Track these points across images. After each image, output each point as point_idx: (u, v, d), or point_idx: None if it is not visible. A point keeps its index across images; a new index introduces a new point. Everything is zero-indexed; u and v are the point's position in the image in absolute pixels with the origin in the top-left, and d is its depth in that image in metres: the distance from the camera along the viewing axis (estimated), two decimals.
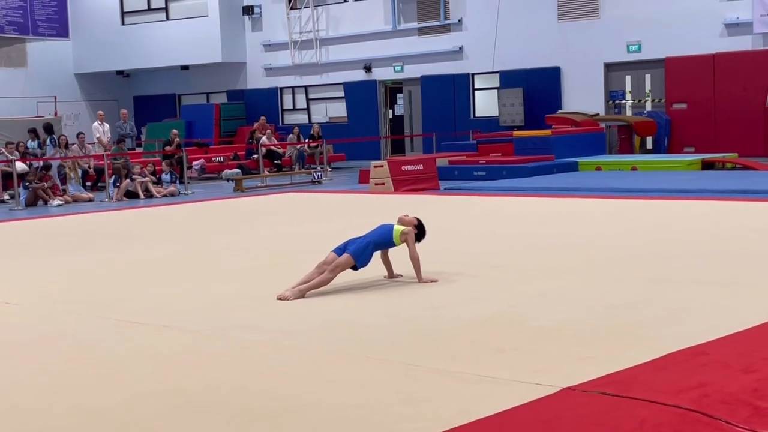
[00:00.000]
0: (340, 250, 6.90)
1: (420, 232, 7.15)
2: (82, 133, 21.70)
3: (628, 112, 23.45)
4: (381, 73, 27.96)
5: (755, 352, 4.70)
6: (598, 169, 18.98)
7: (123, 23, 31.77)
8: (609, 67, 23.80)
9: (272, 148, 23.96)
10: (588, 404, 3.99)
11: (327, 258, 6.89)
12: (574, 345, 5.02)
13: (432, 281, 7.03)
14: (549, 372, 4.48)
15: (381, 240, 7.01)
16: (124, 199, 17.79)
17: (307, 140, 24.70)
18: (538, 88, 24.58)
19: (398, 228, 7.04)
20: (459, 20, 26.15)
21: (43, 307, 6.94)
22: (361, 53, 28.03)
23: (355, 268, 6.87)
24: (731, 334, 5.09)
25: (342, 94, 28.77)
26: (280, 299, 6.60)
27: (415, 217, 7.21)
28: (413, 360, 4.85)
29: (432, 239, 7.52)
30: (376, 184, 16.85)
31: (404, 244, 7.03)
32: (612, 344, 5.03)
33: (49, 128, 19.92)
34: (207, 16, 29.88)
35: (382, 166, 17.12)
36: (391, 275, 7.21)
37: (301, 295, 6.65)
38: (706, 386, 4.13)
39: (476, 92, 26.41)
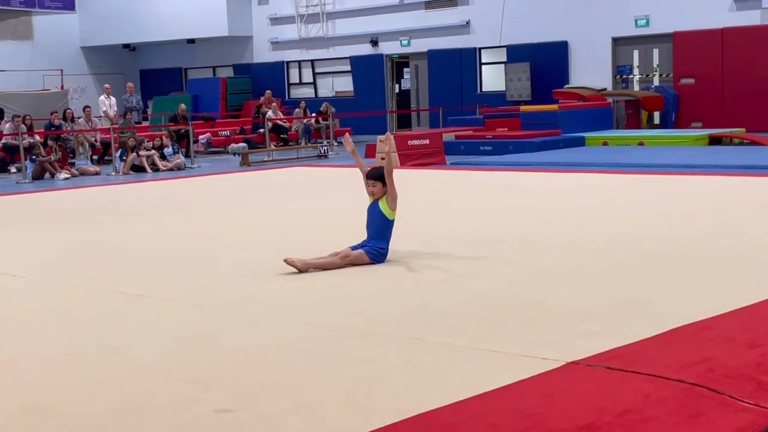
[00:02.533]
0: (356, 249, 6.91)
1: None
2: (88, 107, 21.71)
3: (636, 87, 23.36)
4: (388, 47, 27.86)
5: (760, 327, 4.71)
6: (605, 144, 18.93)
7: None
8: (617, 42, 23.69)
9: (278, 122, 23.93)
10: (592, 378, 4.00)
11: (342, 251, 6.88)
12: (579, 320, 5.03)
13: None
14: (554, 346, 4.49)
15: (390, 231, 6.96)
16: (131, 172, 17.80)
17: (314, 114, 24.66)
18: (545, 63, 24.48)
19: (383, 205, 6.95)
20: None
21: (50, 280, 6.97)
22: (368, 27, 27.92)
23: (377, 259, 6.88)
24: (736, 310, 5.09)
25: (348, 68, 28.69)
26: (286, 262, 6.62)
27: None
28: (418, 334, 4.86)
29: (437, 214, 7.52)
30: (382, 159, 16.79)
31: (393, 205, 6.95)
32: (617, 319, 5.04)
33: None
34: None
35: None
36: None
37: (305, 268, 6.65)
38: (711, 361, 4.14)
39: (483, 67, 26.32)
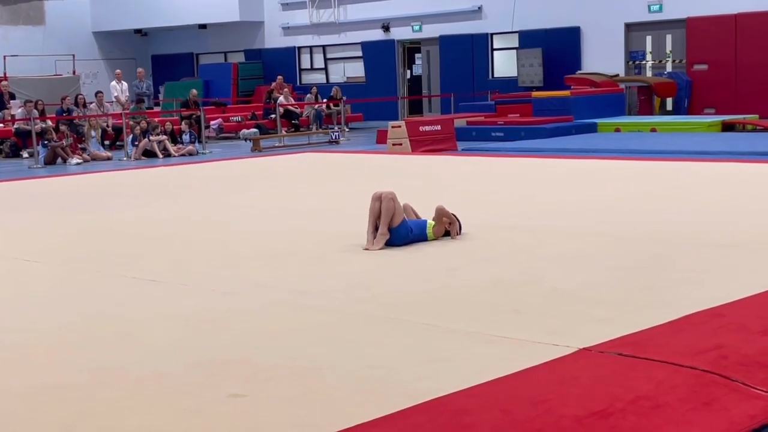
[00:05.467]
0: None
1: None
2: (100, 92, 21.74)
3: (649, 73, 23.25)
4: (399, 33, 27.79)
5: None
6: (617, 130, 18.87)
7: None
8: (629, 27, 23.57)
9: (290, 107, 23.92)
10: (604, 365, 4.00)
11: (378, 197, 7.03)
12: (591, 306, 5.02)
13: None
14: (566, 333, 4.49)
15: (418, 232, 7.12)
16: (142, 158, 17.83)
17: (325, 100, 24.64)
18: (557, 49, 24.38)
19: (431, 223, 7.16)
20: None
21: (63, 265, 6.99)
22: (380, 12, 27.85)
23: (389, 241, 6.94)
24: (749, 297, 5.08)
25: (360, 53, 28.64)
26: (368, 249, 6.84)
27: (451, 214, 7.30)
28: (431, 320, 4.86)
29: (448, 201, 7.51)
30: (393, 145, 16.81)
31: (437, 237, 7.19)
32: (629, 306, 5.03)
33: None
34: None
35: (399, 126, 17.06)
36: None
37: (385, 235, 6.87)
38: (723, 348, 4.13)
39: (495, 52, 26.23)
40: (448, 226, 7.20)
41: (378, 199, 6.95)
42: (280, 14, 30.20)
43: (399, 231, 6.95)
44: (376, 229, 6.95)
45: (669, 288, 5.40)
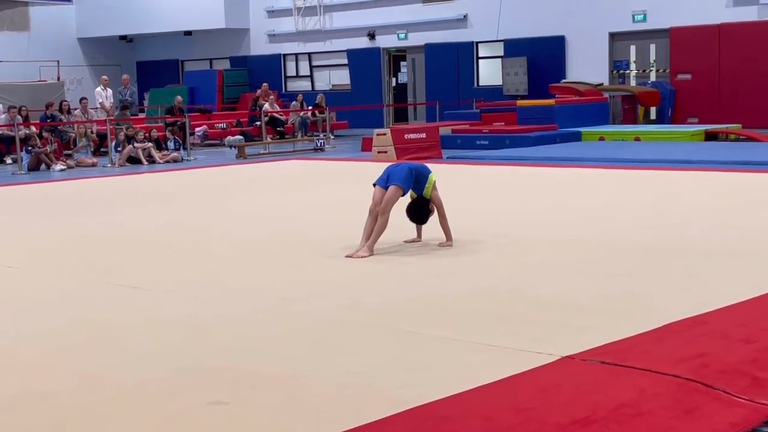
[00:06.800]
0: (383, 181, 7.09)
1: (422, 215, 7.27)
2: (85, 98, 21.67)
3: (633, 82, 23.35)
4: (385, 41, 27.81)
5: (755, 323, 4.72)
6: (602, 139, 18.93)
7: None
8: (614, 37, 23.68)
9: (275, 115, 23.90)
10: (587, 373, 4.01)
11: (375, 197, 7.04)
12: (574, 314, 5.04)
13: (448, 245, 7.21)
14: (549, 341, 4.50)
15: (421, 171, 7.15)
16: (127, 164, 17.77)
17: (311, 108, 24.64)
18: (542, 57, 24.46)
19: (433, 178, 7.17)
20: None
21: (45, 272, 6.96)
22: (365, 20, 27.87)
23: (404, 194, 7.08)
24: (731, 305, 5.10)
25: (345, 61, 28.65)
26: (350, 257, 6.79)
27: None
28: (414, 327, 4.87)
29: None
30: (378, 152, 16.81)
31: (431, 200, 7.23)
32: (612, 314, 5.05)
33: None
34: None
35: (385, 134, 17.08)
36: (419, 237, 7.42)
37: (372, 251, 6.85)
38: (706, 356, 4.15)
39: (480, 61, 26.29)
40: (430, 208, 7.22)
41: (375, 216, 6.95)
42: (266, 21, 30.19)
43: (405, 186, 7.01)
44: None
45: (651, 296, 5.42)
